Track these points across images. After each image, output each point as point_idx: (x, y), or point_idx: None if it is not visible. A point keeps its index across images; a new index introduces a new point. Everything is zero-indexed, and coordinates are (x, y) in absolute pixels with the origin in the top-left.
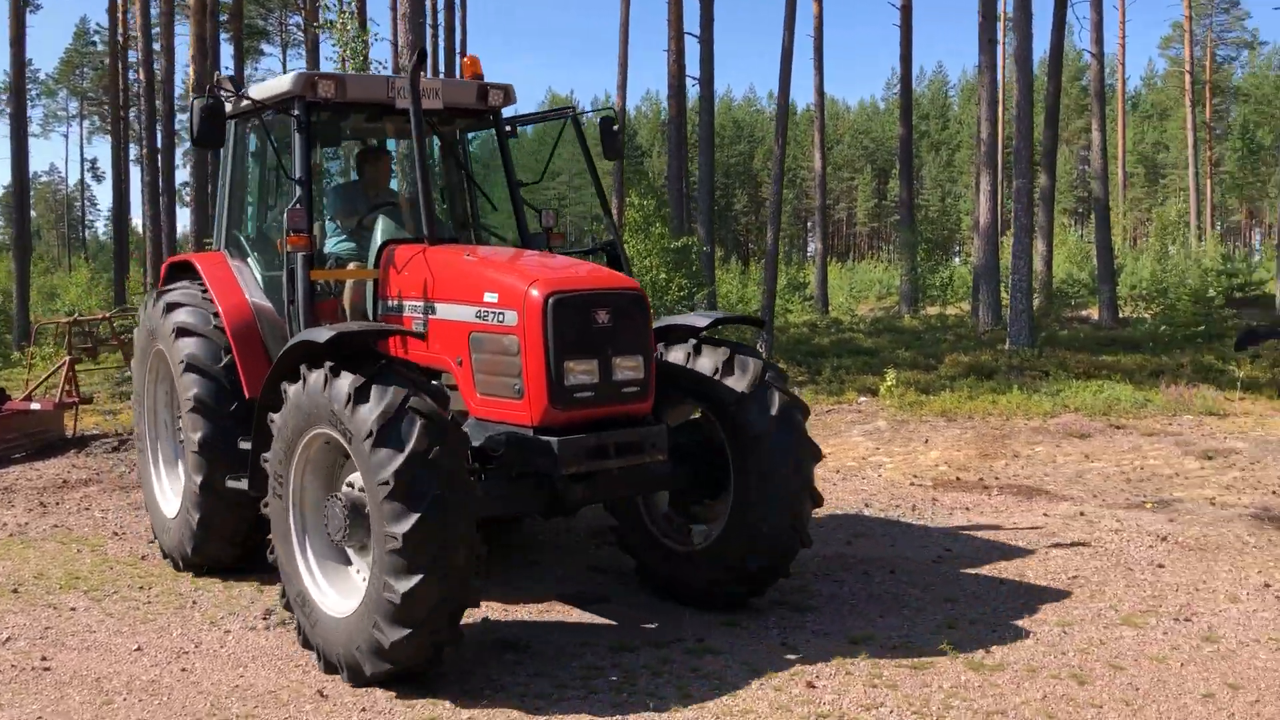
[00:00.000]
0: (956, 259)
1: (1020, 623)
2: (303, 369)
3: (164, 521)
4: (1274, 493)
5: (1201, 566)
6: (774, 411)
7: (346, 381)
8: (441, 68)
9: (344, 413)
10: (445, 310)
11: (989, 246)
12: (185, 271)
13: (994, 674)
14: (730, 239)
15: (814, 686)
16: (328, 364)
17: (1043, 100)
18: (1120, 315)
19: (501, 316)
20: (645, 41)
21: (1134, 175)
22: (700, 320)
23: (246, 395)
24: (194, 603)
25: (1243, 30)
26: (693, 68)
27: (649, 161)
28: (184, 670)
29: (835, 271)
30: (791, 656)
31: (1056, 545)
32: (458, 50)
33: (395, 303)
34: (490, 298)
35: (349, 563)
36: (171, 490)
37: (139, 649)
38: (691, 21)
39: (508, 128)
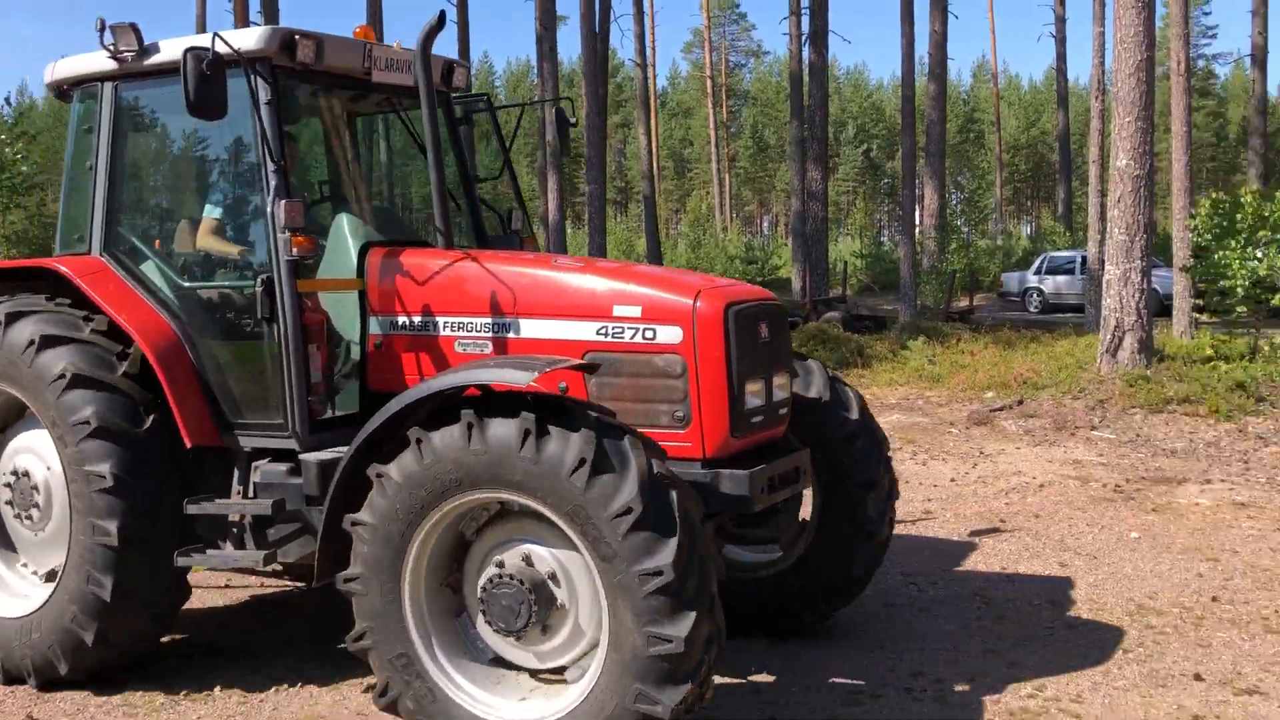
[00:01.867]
0: None
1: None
2: (408, 433)
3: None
4: None
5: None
6: (856, 414)
7: (574, 444)
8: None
9: (567, 481)
10: (537, 328)
11: (557, 238)
12: (18, 282)
13: None
14: None
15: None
16: (526, 416)
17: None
18: None
19: (651, 333)
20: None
21: (665, 168)
22: None
23: (189, 443)
24: None
25: (750, 40)
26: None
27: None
28: None
29: None
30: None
31: None
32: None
33: (412, 320)
34: (625, 311)
35: (488, 658)
36: (10, 586)
37: None
38: None
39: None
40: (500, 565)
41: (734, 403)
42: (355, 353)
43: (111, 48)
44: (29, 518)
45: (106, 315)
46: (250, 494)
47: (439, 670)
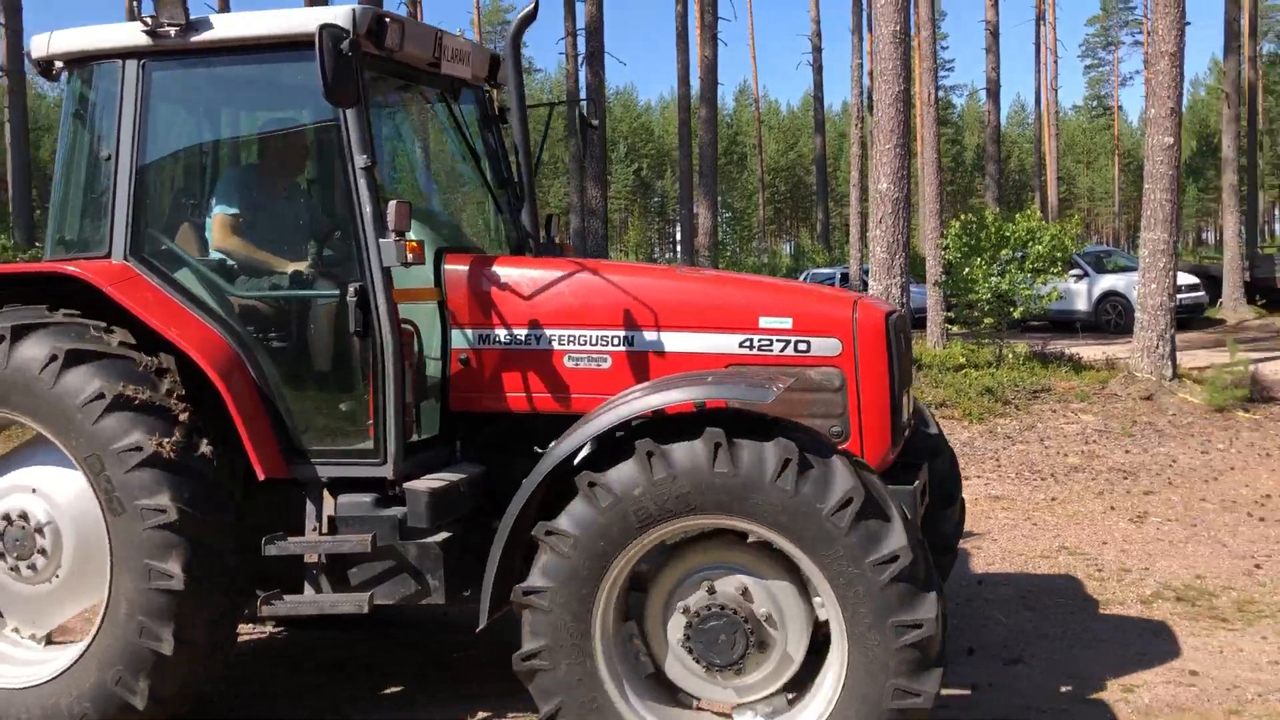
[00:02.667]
0: None
1: None
2: (623, 449)
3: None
4: None
5: None
6: (935, 429)
7: (840, 480)
8: None
9: (824, 514)
10: (670, 341)
11: None
12: (3, 291)
13: None
14: None
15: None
16: (782, 441)
17: None
18: None
19: (805, 345)
20: None
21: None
22: None
23: (262, 475)
24: None
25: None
26: None
27: None
28: None
29: None
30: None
31: None
32: None
33: (510, 333)
34: (774, 323)
35: (670, 697)
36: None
37: None
38: None
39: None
40: (711, 593)
41: (895, 415)
42: (433, 370)
43: (151, 20)
44: (30, 568)
45: (152, 330)
46: (325, 530)
47: (623, 699)
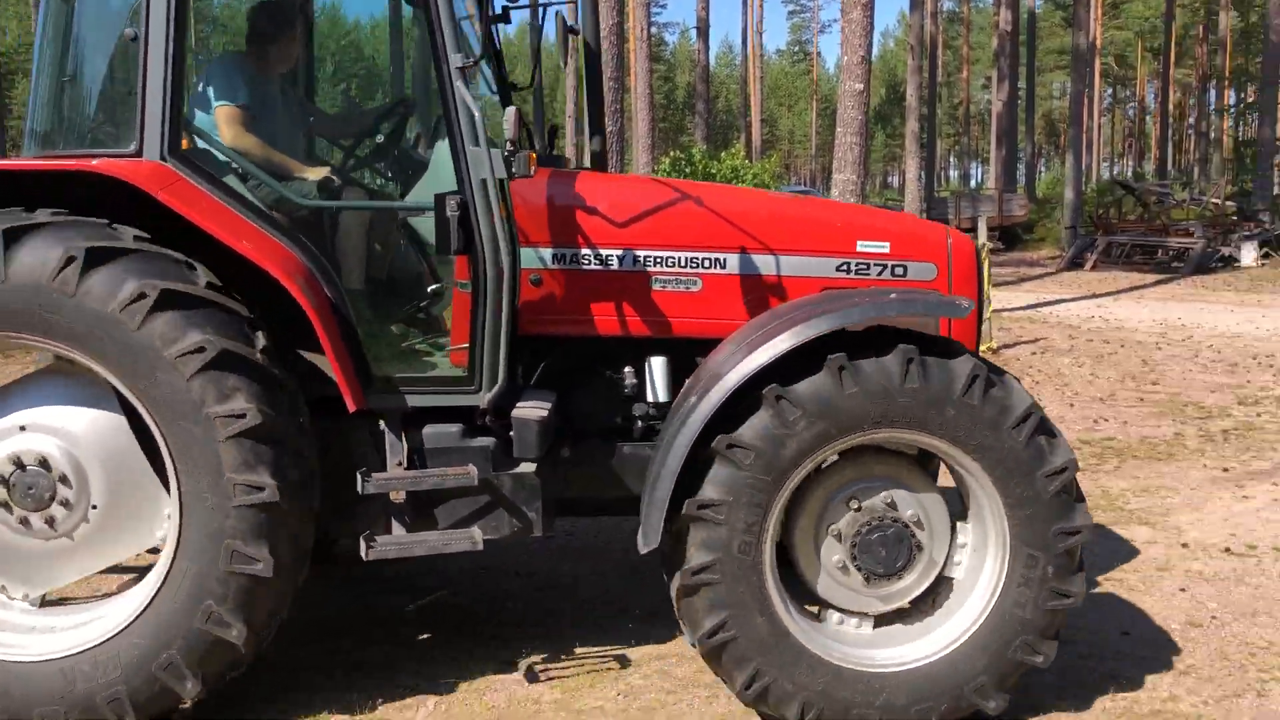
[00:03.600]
0: None
1: None
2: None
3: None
4: None
5: None
6: None
7: (1019, 397)
8: None
9: (1006, 428)
10: (764, 264)
11: None
12: (18, 189)
13: None
14: None
15: None
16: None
17: None
18: None
19: (902, 269)
20: None
21: None
22: None
23: (353, 407)
24: None
25: None
26: None
27: None
28: None
29: None
30: None
31: None
32: None
33: (589, 252)
34: (871, 247)
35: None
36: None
37: None
38: None
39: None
40: (858, 509)
41: (979, 340)
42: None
43: None
44: (46, 522)
45: (224, 246)
46: (409, 464)
47: (788, 615)
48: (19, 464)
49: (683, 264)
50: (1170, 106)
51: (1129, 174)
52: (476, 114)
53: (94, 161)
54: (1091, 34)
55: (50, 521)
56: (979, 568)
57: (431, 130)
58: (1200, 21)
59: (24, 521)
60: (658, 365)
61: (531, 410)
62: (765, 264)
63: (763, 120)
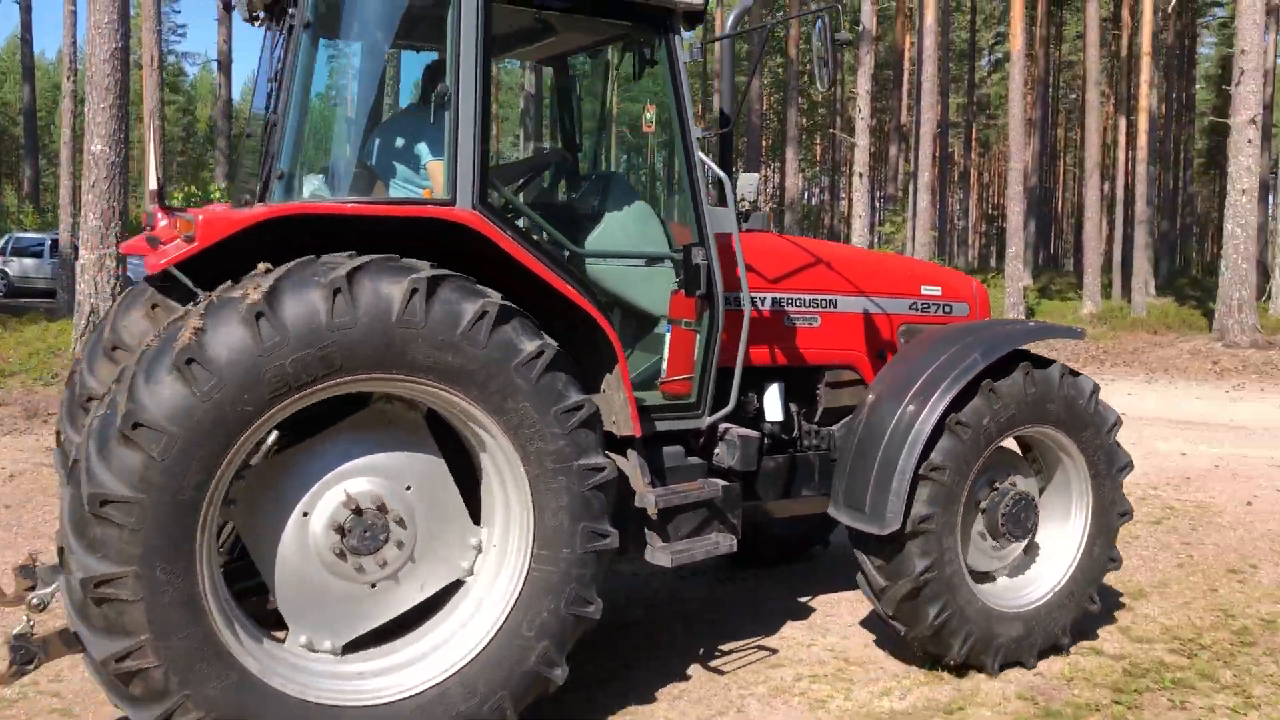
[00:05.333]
0: None
1: None
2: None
3: None
4: None
5: None
6: None
7: (1089, 380)
8: None
9: (1104, 430)
10: (864, 304)
11: None
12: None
13: None
14: None
15: None
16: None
17: None
18: None
19: (949, 308)
20: None
21: None
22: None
23: (638, 433)
24: None
25: None
26: None
27: None
28: None
29: None
30: None
31: None
32: None
33: (752, 296)
34: (930, 290)
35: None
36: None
37: None
38: None
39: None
40: (996, 489)
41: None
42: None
43: None
44: (379, 564)
45: (543, 283)
46: (650, 482)
47: (977, 590)
48: (356, 510)
49: (806, 305)
50: None
51: None
52: (726, 180)
53: (427, 207)
54: None
55: (383, 565)
56: (1069, 533)
57: (598, 184)
58: None
59: (359, 568)
60: (791, 389)
61: (744, 429)
62: (863, 304)
63: None
